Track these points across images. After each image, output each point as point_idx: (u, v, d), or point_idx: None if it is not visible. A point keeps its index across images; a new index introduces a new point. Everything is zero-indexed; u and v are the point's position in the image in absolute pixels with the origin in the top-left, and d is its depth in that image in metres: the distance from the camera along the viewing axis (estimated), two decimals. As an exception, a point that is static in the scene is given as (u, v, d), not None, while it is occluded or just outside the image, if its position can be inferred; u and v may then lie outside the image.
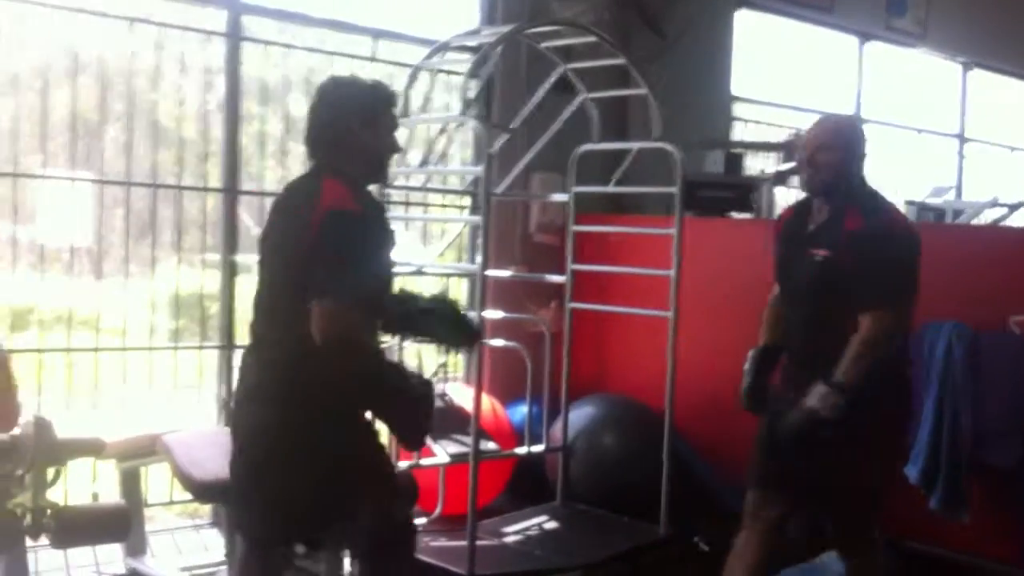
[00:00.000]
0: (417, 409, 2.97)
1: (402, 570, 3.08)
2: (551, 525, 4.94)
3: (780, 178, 6.44)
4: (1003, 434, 4.38)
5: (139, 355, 5.23)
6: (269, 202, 5.37)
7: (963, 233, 5.83)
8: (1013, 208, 8.08)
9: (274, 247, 3.02)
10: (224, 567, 4.13)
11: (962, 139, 10.18)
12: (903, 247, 3.43)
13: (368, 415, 3.16)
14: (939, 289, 4.75)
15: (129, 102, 5.18)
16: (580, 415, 5.35)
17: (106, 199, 5.14)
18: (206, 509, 5.16)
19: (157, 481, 5.04)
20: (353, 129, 3.01)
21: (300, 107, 5.75)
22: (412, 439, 3.13)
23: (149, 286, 5.42)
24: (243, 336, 5.43)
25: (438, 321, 3.31)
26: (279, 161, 5.79)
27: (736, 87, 7.85)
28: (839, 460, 3.40)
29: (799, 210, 3.72)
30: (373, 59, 5.94)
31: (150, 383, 5.24)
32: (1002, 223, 8.03)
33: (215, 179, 5.48)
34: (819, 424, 3.35)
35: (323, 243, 2.80)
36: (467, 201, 6.24)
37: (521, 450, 5.12)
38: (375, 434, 3.18)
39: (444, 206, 6.11)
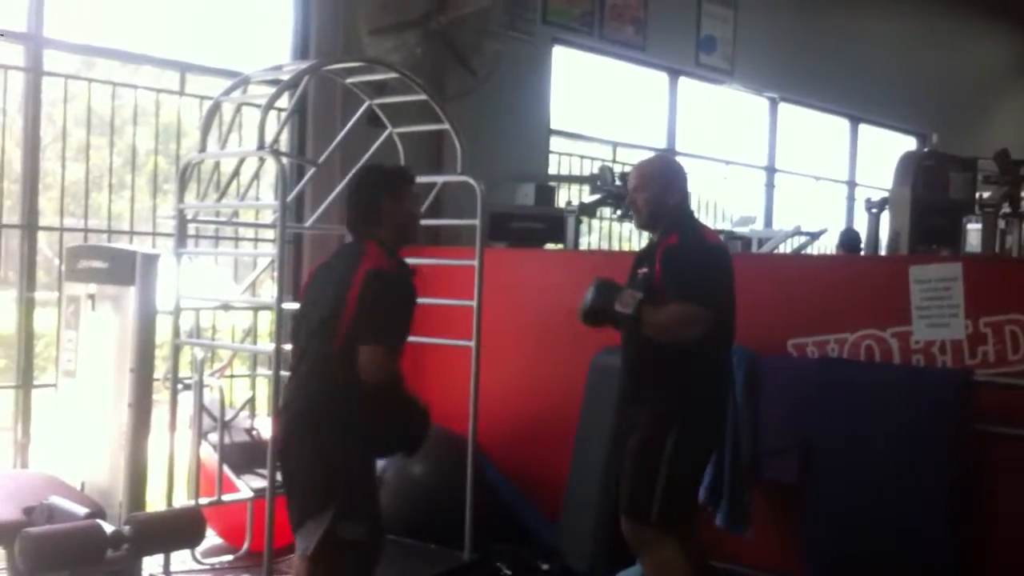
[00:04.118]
0: (420, 429, 3.65)
1: None
2: (359, 556, 4.95)
3: (586, 209, 6.67)
4: (782, 452, 4.63)
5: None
6: (70, 237, 5.37)
7: (745, 261, 6.11)
8: (814, 236, 8.55)
9: (314, 299, 3.59)
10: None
11: (771, 170, 10.69)
12: (710, 257, 3.80)
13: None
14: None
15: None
16: (390, 446, 5.38)
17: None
18: (2, 553, 4.98)
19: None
20: (384, 204, 3.58)
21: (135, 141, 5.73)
22: (411, 447, 3.75)
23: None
24: (43, 376, 5.33)
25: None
26: (118, 194, 5.71)
27: (554, 121, 8.09)
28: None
29: (648, 243, 4.03)
30: (182, 93, 5.91)
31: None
32: (803, 250, 8.50)
33: (51, 213, 5.38)
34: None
35: (365, 297, 3.37)
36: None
37: (328, 483, 5.10)
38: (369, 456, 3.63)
39: (256, 240, 6.09)
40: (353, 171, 3.86)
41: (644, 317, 3.67)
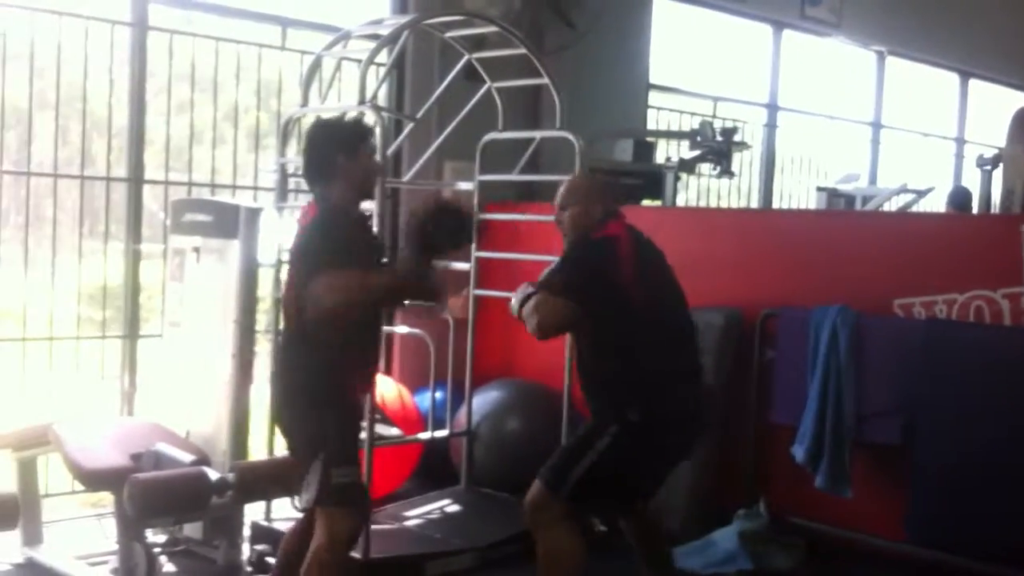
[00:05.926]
0: (425, 287, 3.60)
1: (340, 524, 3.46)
2: (453, 509, 5.02)
3: (685, 166, 6.56)
4: (885, 413, 4.53)
5: (60, 345, 5.20)
6: (173, 191, 5.48)
7: (849, 219, 5.97)
8: (921, 194, 8.30)
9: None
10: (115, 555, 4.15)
11: (877, 126, 10.39)
12: (585, 251, 3.87)
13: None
14: (829, 274, 4.92)
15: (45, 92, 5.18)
16: (485, 400, 5.42)
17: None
18: (109, 498, 5.14)
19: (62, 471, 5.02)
20: (339, 162, 3.52)
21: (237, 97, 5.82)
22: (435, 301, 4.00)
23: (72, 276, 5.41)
24: (148, 327, 5.46)
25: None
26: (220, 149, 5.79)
27: (654, 75, 7.96)
28: None
29: None
30: (283, 48, 5.96)
31: (50, 371, 5.20)
32: (910, 209, 8.25)
33: (155, 168, 5.50)
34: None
35: (299, 249, 3.53)
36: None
37: (424, 435, 5.16)
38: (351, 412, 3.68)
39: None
40: (310, 126, 3.75)
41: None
